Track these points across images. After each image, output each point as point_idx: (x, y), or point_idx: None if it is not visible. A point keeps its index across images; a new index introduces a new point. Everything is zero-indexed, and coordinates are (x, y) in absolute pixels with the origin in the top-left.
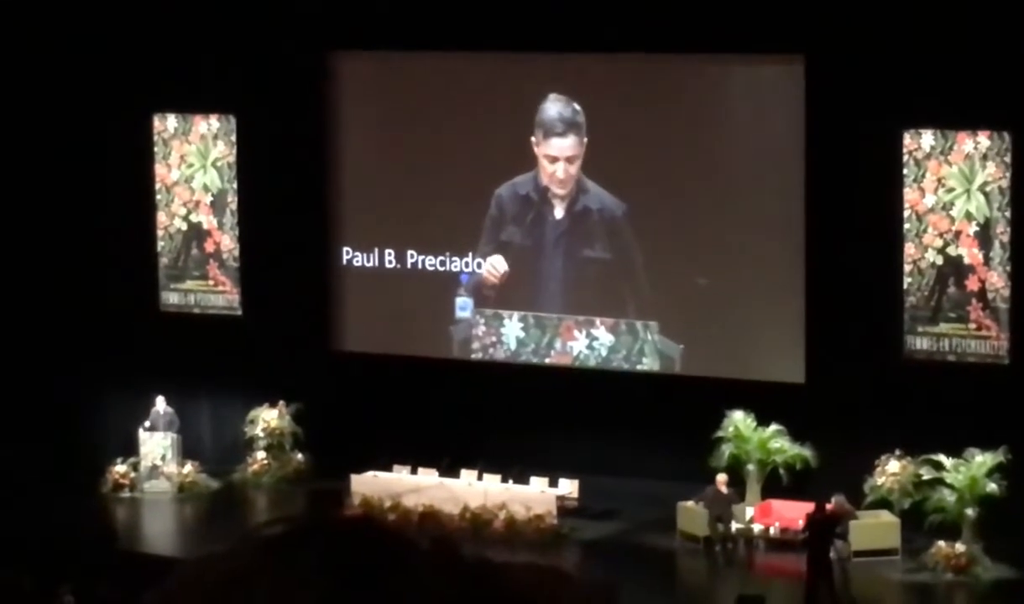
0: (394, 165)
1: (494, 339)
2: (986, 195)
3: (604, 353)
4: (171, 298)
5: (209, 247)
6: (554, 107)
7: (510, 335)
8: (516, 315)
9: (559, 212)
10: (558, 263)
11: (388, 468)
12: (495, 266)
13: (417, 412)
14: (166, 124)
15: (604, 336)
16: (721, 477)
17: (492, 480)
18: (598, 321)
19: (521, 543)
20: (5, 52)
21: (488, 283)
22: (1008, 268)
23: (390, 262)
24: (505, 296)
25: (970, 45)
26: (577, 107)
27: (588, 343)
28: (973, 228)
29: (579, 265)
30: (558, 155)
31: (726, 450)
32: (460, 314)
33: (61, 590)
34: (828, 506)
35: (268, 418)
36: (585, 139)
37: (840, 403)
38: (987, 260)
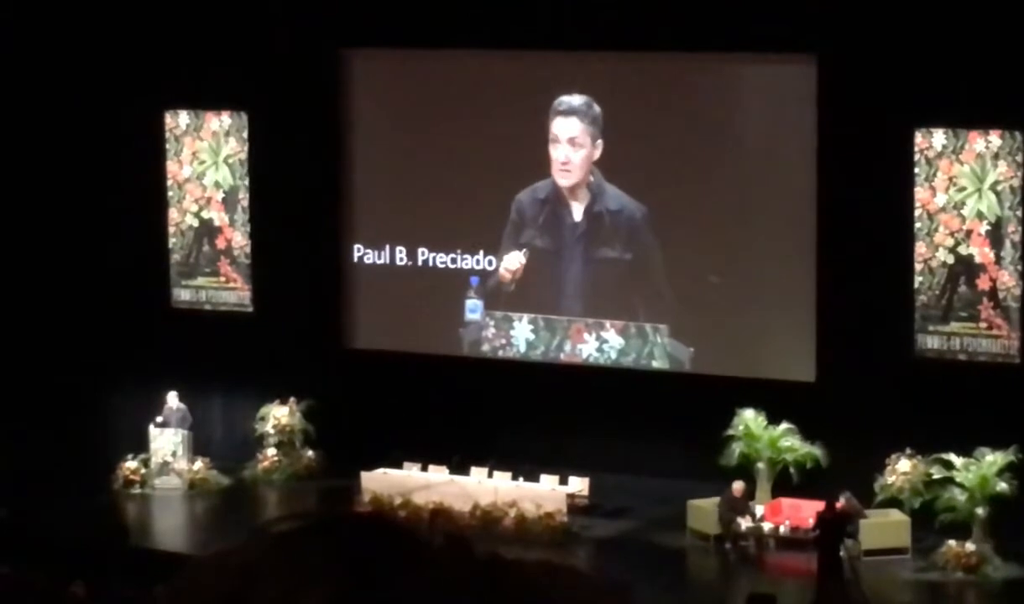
0: (406, 162)
1: (504, 341)
2: (997, 194)
3: (614, 356)
4: (182, 295)
5: (220, 244)
6: (567, 97)
7: (520, 337)
8: (526, 317)
9: (577, 214)
10: (576, 265)
11: (398, 465)
12: (509, 265)
13: (428, 409)
14: (178, 121)
15: (614, 339)
16: (738, 485)
17: (503, 477)
18: (608, 324)
19: (531, 541)
20: (17, 49)
21: (504, 281)
22: (1019, 267)
23: (401, 259)
24: (521, 298)
25: (981, 44)
26: (593, 102)
27: (598, 346)
28: (984, 227)
29: (596, 267)
30: (559, 135)
31: (736, 448)
32: (470, 316)
33: (72, 585)
34: (838, 505)
35: (279, 415)
36: (600, 140)
37: (851, 402)
38: (998, 259)
